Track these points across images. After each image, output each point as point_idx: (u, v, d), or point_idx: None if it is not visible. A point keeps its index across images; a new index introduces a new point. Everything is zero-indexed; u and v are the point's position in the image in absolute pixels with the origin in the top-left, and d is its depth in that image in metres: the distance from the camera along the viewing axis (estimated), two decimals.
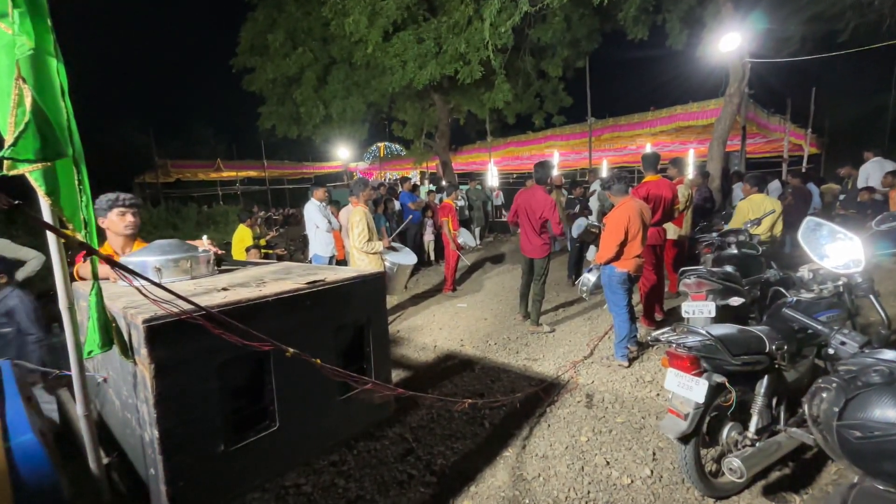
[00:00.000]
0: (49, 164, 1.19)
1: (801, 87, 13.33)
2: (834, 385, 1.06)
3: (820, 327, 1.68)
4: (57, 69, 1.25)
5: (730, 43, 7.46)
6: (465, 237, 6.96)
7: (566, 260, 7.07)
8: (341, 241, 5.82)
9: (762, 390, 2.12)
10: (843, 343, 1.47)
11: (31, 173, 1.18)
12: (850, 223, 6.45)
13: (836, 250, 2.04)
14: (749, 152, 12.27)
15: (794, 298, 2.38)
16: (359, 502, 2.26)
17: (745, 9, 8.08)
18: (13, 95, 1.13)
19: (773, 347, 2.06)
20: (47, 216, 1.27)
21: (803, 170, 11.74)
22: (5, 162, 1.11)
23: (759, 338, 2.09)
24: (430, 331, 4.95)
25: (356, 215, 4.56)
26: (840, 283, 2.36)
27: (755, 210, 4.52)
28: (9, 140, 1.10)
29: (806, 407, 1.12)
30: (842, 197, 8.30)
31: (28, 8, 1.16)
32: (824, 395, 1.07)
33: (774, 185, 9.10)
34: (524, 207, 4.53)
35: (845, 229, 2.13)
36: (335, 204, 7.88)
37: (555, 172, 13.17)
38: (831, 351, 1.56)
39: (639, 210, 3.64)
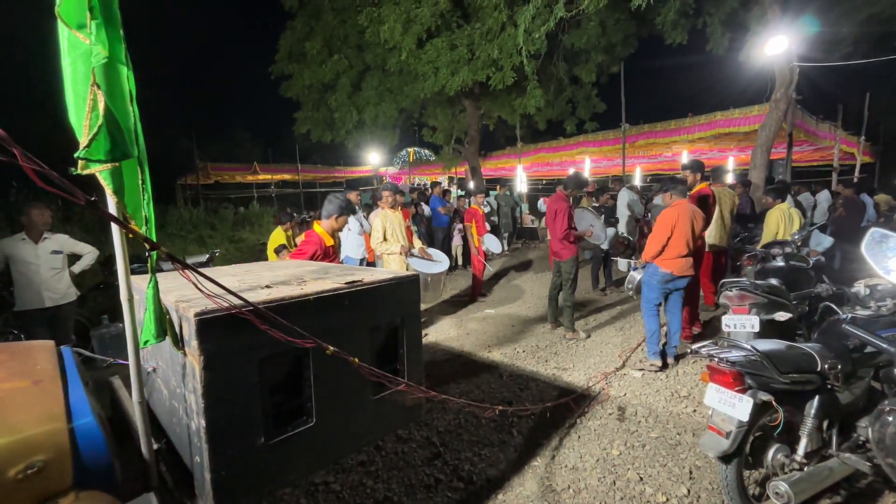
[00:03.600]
0: (117, 164, 1.27)
1: (853, 91, 12.61)
2: None
3: (886, 346, 1.57)
4: (127, 76, 1.34)
5: (776, 46, 7.14)
6: (490, 244, 6.80)
7: (589, 268, 6.91)
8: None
9: (812, 411, 2.00)
10: None
11: (101, 172, 1.27)
12: None
13: None
14: (795, 160, 11.67)
15: (850, 315, 2.24)
16: (386, 503, 2.28)
17: (793, 11, 7.72)
18: (88, 101, 1.22)
19: (826, 366, 1.94)
20: (113, 212, 1.36)
21: (855, 179, 11.07)
22: (79, 162, 1.20)
23: (810, 355, 1.98)
24: (458, 336, 4.94)
25: (376, 217, 4.79)
26: None
27: (784, 220, 4.51)
28: (84, 142, 1.19)
29: (869, 431, 1.05)
30: None
31: (104, 19, 1.26)
32: (890, 418, 1.00)
33: (824, 195, 8.64)
34: (547, 211, 4.78)
35: None
36: (366, 207, 8.05)
37: (588, 182, 12.98)
38: None
39: (691, 213, 3.67)
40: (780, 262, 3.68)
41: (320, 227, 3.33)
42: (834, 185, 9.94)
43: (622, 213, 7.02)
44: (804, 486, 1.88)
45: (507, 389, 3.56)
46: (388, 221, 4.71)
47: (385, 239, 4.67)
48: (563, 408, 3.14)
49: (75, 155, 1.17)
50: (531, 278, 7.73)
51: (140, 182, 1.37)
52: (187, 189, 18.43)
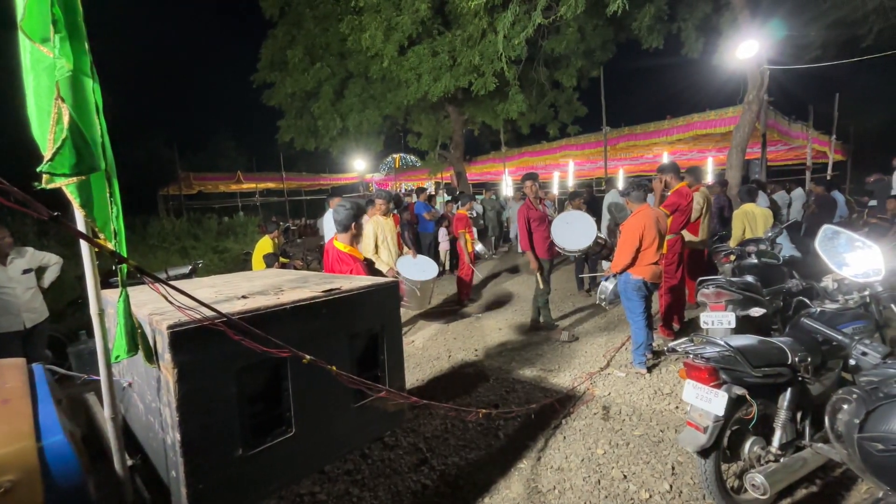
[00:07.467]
0: (84, 177, 1.26)
1: (823, 93, 13.03)
2: (855, 396, 1.03)
3: (840, 337, 1.63)
4: (92, 88, 1.33)
5: (747, 50, 7.37)
6: (479, 247, 6.99)
7: (573, 269, 7.01)
8: None
9: (785, 404, 2.06)
10: (864, 353, 1.43)
11: (67, 186, 1.26)
12: (879, 232, 6.23)
13: (855, 259, 1.99)
14: (770, 160, 12.01)
15: (818, 309, 2.31)
16: None
17: (762, 16, 7.99)
18: (52, 114, 1.21)
19: (796, 359, 2.00)
20: (81, 227, 1.34)
21: (828, 177, 11.43)
22: (44, 175, 1.18)
23: (781, 349, 2.04)
24: (445, 340, 4.95)
25: (367, 224, 4.80)
26: (867, 293, 2.29)
27: (748, 221, 4.67)
28: (47, 156, 1.18)
29: (827, 419, 1.10)
30: (872, 203, 8.05)
31: (68, 32, 1.25)
32: (845, 406, 1.05)
33: (798, 192, 8.90)
34: None
35: (870, 238, 2.08)
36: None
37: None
38: (853, 362, 1.51)
39: (655, 218, 3.63)
40: (753, 260, 3.79)
41: (342, 244, 2.90)
42: (807, 184, 10.25)
43: (604, 218, 7.12)
44: (779, 477, 1.93)
45: (493, 392, 3.57)
46: (380, 228, 4.73)
47: (376, 246, 4.67)
48: (548, 409, 3.17)
49: (38, 169, 1.16)
50: (518, 282, 7.78)
51: (108, 195, 1.36)
52: (170, 199, 18.12)
